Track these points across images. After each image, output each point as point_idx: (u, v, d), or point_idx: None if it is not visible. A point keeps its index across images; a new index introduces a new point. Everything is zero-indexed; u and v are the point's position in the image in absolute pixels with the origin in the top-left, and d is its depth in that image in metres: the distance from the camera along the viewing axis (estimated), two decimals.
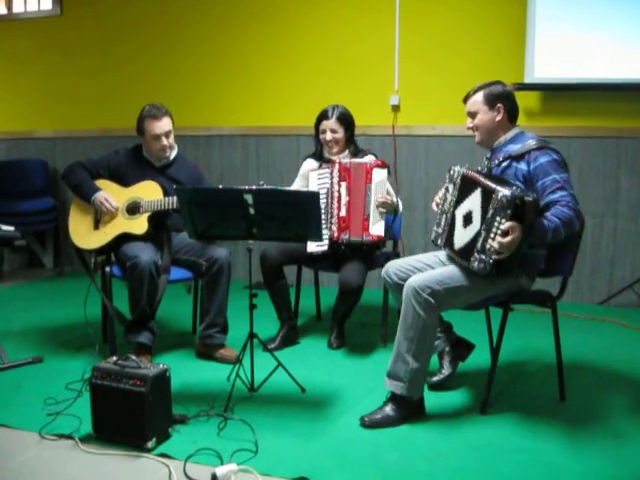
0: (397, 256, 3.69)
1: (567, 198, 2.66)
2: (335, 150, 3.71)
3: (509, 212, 2.52)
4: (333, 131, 3.68)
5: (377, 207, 3.53)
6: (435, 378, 3.08)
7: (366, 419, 2.72)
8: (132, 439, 2.51)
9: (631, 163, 4.45)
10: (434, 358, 3.06)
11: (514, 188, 2.56)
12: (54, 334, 3.95)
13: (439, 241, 2.95)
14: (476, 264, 2.65)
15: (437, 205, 3.00)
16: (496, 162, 2.88)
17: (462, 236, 2.78)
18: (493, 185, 2.60)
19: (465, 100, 2.95)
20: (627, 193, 4.49)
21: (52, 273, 5.75)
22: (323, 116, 3.70)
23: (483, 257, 2.61)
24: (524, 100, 4.52)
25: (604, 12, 4.26)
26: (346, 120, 3.70)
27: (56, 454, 2.51)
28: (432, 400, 2.92)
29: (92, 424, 2.60)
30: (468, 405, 2.94)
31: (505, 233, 2.52)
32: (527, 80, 4.45)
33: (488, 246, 2.58)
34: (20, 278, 5.56)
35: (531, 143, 2.79)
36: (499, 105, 2.85)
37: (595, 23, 4.29)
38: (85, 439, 2.59)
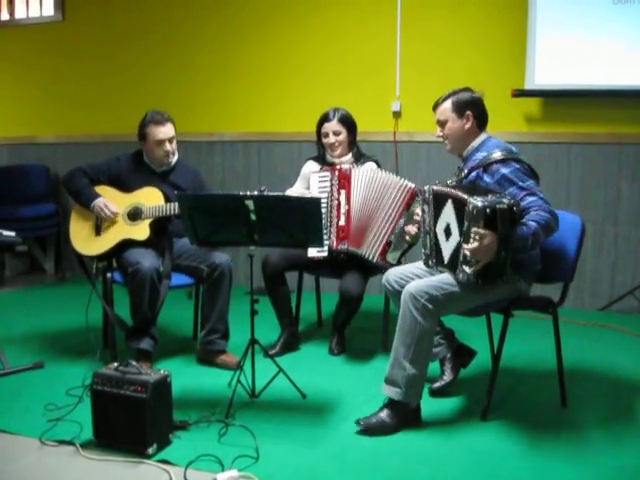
0: (398, 263, 3.69)
1: (539, 202, 2.65)
2: (338, 152, 3.68)
3: (481, 222, 2.50)
4: (336, 133, 3.66)
5: (404, 234, 3.42)
6: (436, 384, 3.08)
7: (361, 422, 2.71)
8: (133, 445, 2.51)
9: (632, 169, 4.45)
10: (435, 364, 3.06)
11: (489, 197, 2.53)
12: (55, 340, 3.95)
13: (430, 262, 2.92)
14: (461, 275, 2.64)
15: (418, 227, 2.99)
16: (464, 173, 2.88)
17: (447, 249, 2.78)
18: (464, 196, 2.59)
19: (434, 108, 2.96)
20: (628, 199, 4.49)
21: (53, 278, 5.75)
22: (325, 119, 3.69)
23: (465, 268, 2.61)
24: (525, 106, 4.56)
25: (605, 18, 4.27)
26: (348, 122, 3.69)
27: (57, 460, 2.51)
28: (433, 406, 2.93)
29: (93, 430, 2.59)
30: (469, 411, 2.93)
31: (475, 242, 2.51)
32: (528, 86, 4.47)
33: (468, 257, 2.57)
34: (21, 283, 5.56)
35: (495, 155, 2.78)
36: (468, 113, 2.86)
37: (596, 29, 4.31)
38: (86, 445, 2.58)
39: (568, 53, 4.38)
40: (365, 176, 3.53)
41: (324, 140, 3.70)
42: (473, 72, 4.58)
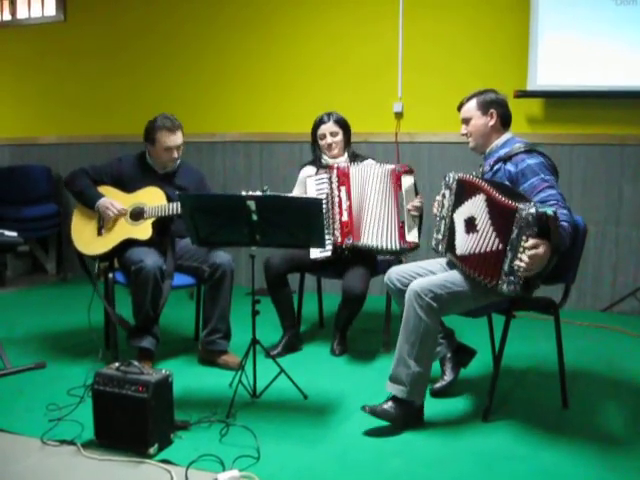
0: (400, 262, 3.69)
1: (557, 197, 2.66)
2: (335, 152, 3.73)
3: (535, 230, 2.45)
4: (333, 134, 3.72)
5: (410, 212, 3.47)
6: (437, 385, 3.08)
7: (367, 408, 2.72)
8: (134, 445, 2.51)
9: (634, 170, 4.45)
10: (436, 365, 3.06)
11: (532, 203, 2.49)
12: (57, 340, 3.95)
13: (440, 247, 2.96)
14: (505, 286, 2.57)
15: (436, 210, 3.01)
16: (488, 168, 2.90)
17: (465, 241, 2.78)
18: (510, 201, 2.53)
19: (459, 108, 3.01)
20: (630, 200, 4.49)
21: (55, 279, 5.76)
22: (320, 121, 3.75)
23: (512, 279, 2.55)
24: (527, 107, 4.55)
25: (608, 19, 4.27)
26: (343, 123, 3.77)
27: (58, 460, 2.51)
28: (434, 407, 2.92)
29: (94, 430, 2.59)
30: (470, 412, 2.93)
31: (531, 250, 2.46)
32: (530, 87, 4.46)
33: (516, 267, 2.51)
34: (23, 284, 5.57)
35: (519, 146, 2.82)
36: (492, 110, 2.89)
37: (599, 30, 4.30)
38: (87, 445, 2.58)
39: (570, 54, 4.38)
40: (362, 172, 3.58)
41: (321, 142, 3.75)
42: (475, 73, 4.58)
